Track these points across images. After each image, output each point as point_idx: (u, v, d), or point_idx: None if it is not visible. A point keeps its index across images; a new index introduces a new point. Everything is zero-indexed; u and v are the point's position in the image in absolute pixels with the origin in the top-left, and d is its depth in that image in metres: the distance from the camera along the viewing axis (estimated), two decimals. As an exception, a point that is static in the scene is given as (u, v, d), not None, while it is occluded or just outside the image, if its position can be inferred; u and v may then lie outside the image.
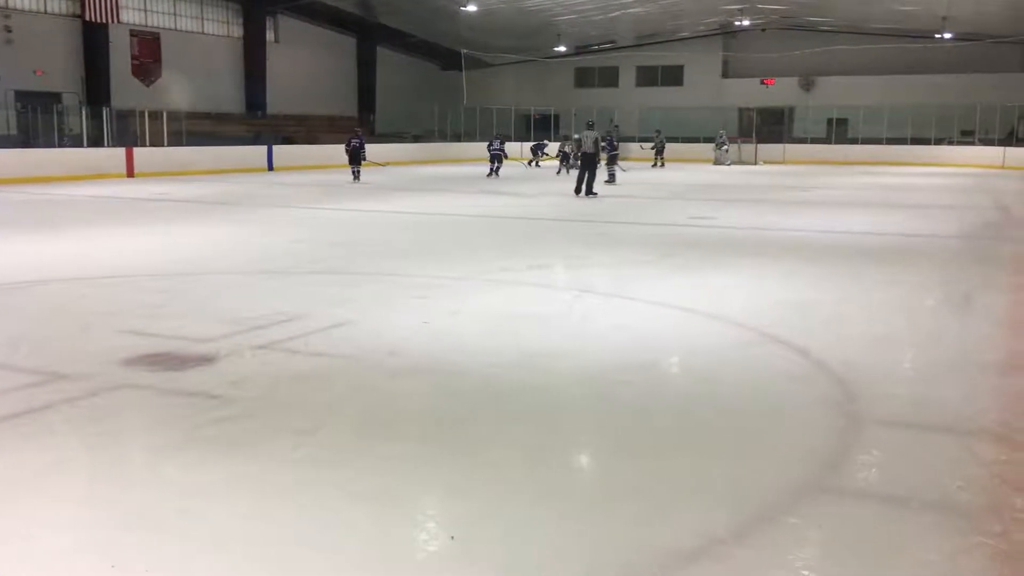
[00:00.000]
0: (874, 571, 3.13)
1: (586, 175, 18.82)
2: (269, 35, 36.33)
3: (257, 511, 3.54)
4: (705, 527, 3.42)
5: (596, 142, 19.34)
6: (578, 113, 41.31)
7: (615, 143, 24.24)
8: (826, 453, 4.25)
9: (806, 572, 3.17)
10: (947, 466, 4.05)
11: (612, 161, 23.15)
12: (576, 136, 22.84)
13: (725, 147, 34.97)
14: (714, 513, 3.56)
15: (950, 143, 35.97)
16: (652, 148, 32.91)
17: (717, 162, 34.65)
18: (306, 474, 3.92)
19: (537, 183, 24.26)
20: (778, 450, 4.29)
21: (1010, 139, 35.33)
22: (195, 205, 17.43)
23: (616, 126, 35.52)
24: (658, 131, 33.86)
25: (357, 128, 26.18)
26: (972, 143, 35.93)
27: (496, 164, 26.34)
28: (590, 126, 19.77)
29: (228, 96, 34.37)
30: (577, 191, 18.83)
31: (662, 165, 32.19)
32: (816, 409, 4.94)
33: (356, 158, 23.64)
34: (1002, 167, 32.30)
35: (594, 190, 18.87)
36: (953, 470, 4.00)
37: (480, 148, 38.50)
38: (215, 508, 3.56)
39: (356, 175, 23.37)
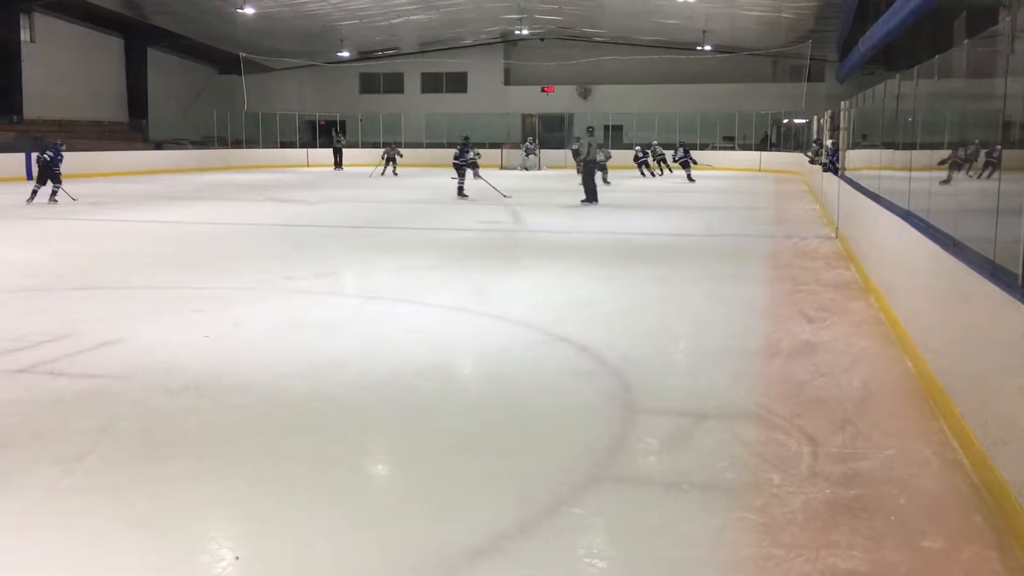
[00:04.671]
0: (648, 551, 3.32)
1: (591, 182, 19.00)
2: (24, 34, 33.47)
3: (18, 547, 3.27)
4: (494, 523, 3.50)
5: (591, 148, 19.25)
6: (363, 118, 41.08)
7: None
8: (607, 444, 4.46)
9: (587, 559, 3.32)
10: (714, 448, 4.36)
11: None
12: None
13: (532, 155, 36.24)
14: (502, 509, 3.64)
15: (713, 148, 38.66)
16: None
17: (523, 167, 35.60)
18: (74, 504, 3.66)
19: (319, 190, 23.88)
20: (563, 444, 4.45)
21: (765, 144, 38.50)
22: (-60, 219, 15.79)
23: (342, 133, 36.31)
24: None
25: (57, 140, 20.21)
26: (733, 148, 38.82)
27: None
28: (590, 132, 19.98)
29: (-24, 99, 31.35)
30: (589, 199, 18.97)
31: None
32: (597, 402, 5.17)
33: (46, 174, 18.48)
34: (759, 170, 35.07)
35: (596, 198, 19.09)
36: (719, 452, 4.30)
37: (266, 154, 37.49)
38: (-33, 549, 3.25)
39: (51, 194, 18.38)
